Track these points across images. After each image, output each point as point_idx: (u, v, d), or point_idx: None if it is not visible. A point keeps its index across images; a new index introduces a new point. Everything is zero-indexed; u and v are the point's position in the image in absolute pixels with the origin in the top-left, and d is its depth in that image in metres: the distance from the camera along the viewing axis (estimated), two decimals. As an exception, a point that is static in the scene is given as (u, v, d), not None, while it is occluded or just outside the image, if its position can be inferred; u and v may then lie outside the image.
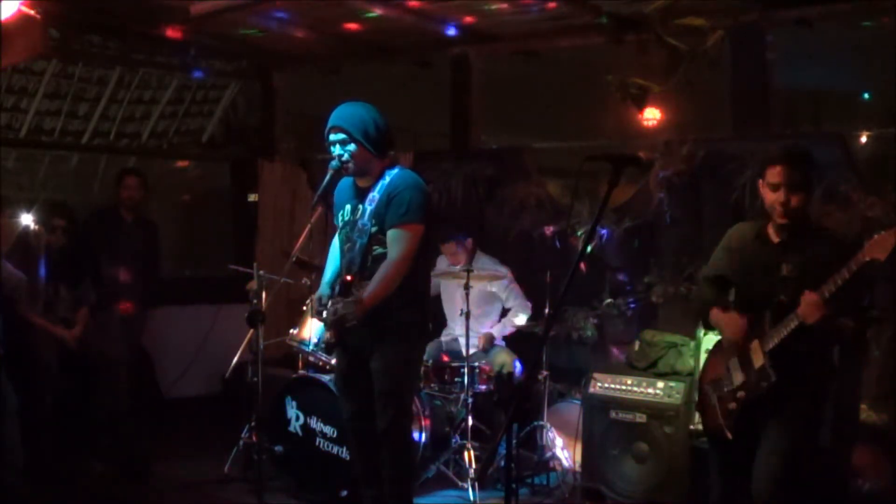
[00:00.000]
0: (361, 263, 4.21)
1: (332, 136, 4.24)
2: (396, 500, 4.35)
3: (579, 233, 6.06)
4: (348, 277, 4.20)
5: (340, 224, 4.41)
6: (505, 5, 6.00)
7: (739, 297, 3.90)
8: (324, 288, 4.45)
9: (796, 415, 3.69)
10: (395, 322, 4.21)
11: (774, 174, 3.71)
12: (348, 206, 4.37)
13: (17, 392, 5.11)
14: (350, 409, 4.45)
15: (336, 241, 4.55)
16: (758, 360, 3.72)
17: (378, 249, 4.21)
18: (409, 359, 4.40)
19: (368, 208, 4.23)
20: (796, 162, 3.72)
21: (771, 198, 3.73)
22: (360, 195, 4.32)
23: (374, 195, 4.23)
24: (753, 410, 3.75)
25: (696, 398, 4.12)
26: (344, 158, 4.21)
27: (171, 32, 6.94)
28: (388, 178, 4.26)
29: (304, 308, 5.73)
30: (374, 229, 4.21)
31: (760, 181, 3.81)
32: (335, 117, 4.25)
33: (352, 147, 4.20)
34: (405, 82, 7.79)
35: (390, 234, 4.17)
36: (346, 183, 4.45)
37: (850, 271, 3.45)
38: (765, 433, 3.71)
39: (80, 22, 6.83)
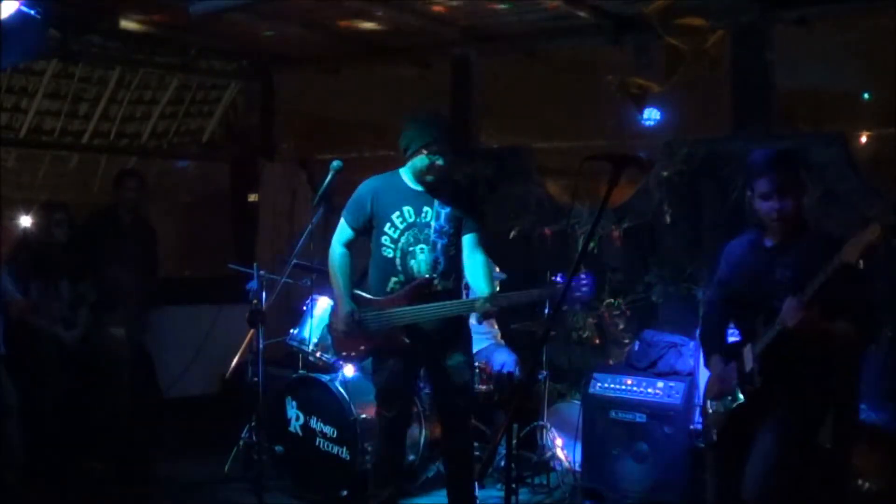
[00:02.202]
0: (445, 263, 4.41)
1: (443, 149, 4.40)
2: (471, 477, 4.62)
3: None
4: (427, 277, 4.37)
5: (401, 225, 4.43)
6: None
7: (740, 304, 3.90)
8: (348, 302, 4.49)
9: (788, 417, 3.68)
10: (465, 321, 4.57)
11: (763, 184, 3.69)
12: (408, 208, 4.44)
13: (19, 392, 5.11)
14: (397, 410, 4.55)
15: (340, 251, 4.57)
16: (748, 364, 3.72)
17: (452, 250, 4.45)
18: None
19: (443, 211, 4.41)
20: (783, 167, 3.69)
21: (764, 208, 3.73)
22: (421, 198, 4.45)
23: (445, 199, 4.43)
24: (746, 412, 3.75)
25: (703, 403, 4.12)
26: (440, 166, 4.39)
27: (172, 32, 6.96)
28: (451, 185, 4.53)
29: (304, 308, 5.74)
30: (452, 231, 4.42)
31: (749, 194, 3.79)
32: (446, 137, 4.42)
33: (450, 159, 4.46)
34: (405, 82, 7.78)
35: (476, 237, 4.47)
36: (392, 184, 4.52)
37: (826, 274, 3.41)
38: (757, 435, 3.71)
39: (80, 22, 6.83)
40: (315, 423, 5.41)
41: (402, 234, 4.43)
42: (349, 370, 5.67)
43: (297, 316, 5.79)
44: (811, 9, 5.64)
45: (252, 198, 8.30)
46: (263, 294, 5.15)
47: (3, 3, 4.39)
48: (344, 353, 4.71)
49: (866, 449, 4.76)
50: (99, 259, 6.21)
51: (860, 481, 4.71)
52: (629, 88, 5.59)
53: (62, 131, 7.51)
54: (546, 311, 5.64)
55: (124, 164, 7.84)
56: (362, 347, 4.55)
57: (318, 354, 5.63)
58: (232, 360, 5.91)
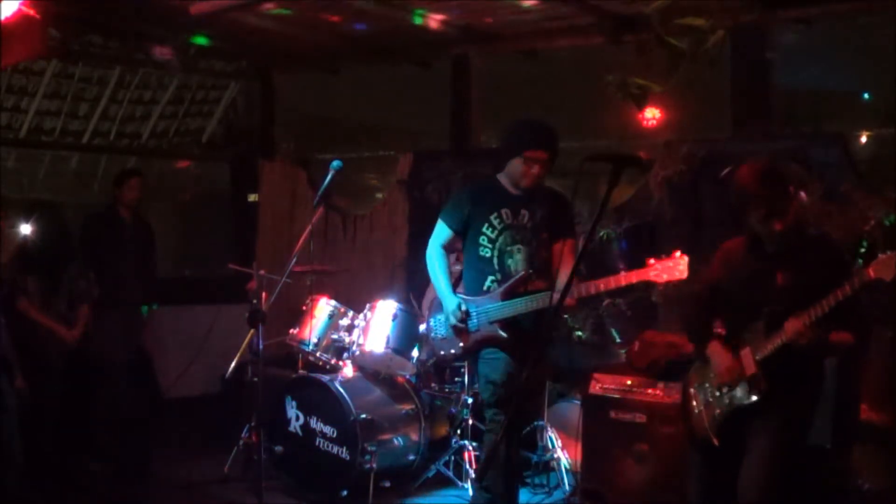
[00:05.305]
0: (539, 263, 4.47)
1: (537, 156, 4.46)
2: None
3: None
4: (530, 271, 4.45)
5: (498, 226, 4.52)
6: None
7: (733, 305, 3.89)
8: (453, 298, 4.54)
9: (783, 420, 3.69)
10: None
11: (757, 208, 3.71)
12: (506, 210, 4.53)
13: (16, 392, 5.10)
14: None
15: (438, 251, 4.65)
16: (748, 369, 3.71)
17: (544, 253, 4.52)
18: None
19: (539, 213, 4.48)
20: (776, 187, 3.72)
21: (757, 227, 3.75)
22: (518, 202, 4.53)
23: (541, 202, 4.51)
24: (739, 416, 3.75)
25: (681, 403, 4.12)
26: (534, 172, 4.45)
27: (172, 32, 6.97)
28: (548, 191, 4.59)
29: (304, 308, 5.74)
30: (545, 234, 4.52)
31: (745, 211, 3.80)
32: (546, 140, 4.49)
33: (547, 166, 4.51)
34: (405, 82, 7.79)
35: (568, 243, 4.52)
36: (490, 188, 4.62)
37: (853, 288, 3.43)
38: (751, 438, 3.71)
39: (80, 22, 6.83)
40: (315, 423, 5.41)
41: (499, 234, 4.52)
42: (349, 370, 5.68)
43: (297, 316, 5.79)
44: (811, 8, 5.64)
45: (252, 198, 8.30)
46: (263, 294, 5.15)
47: (3, 3, 4.39)
48: (442, 353, 4.70)
49: (866, 449, 4.76)
50: (99, 258, 6.21)
51: (860, 481, 4.71)
52: (629, 88, 5.60)
53: (62, 131, 7.51)
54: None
55: (124, 164, 7.84)
56: (461, 344, 4.58)
57: (317, 354, 5.64)
58: (232, 360, 5.90)
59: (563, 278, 4.38)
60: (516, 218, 4.52)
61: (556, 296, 4.16)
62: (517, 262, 4.49)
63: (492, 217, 4.53)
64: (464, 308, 4.49)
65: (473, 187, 4.77)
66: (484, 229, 4.54)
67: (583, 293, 4.27)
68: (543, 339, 4.16)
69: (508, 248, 4.51)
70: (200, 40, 7.15)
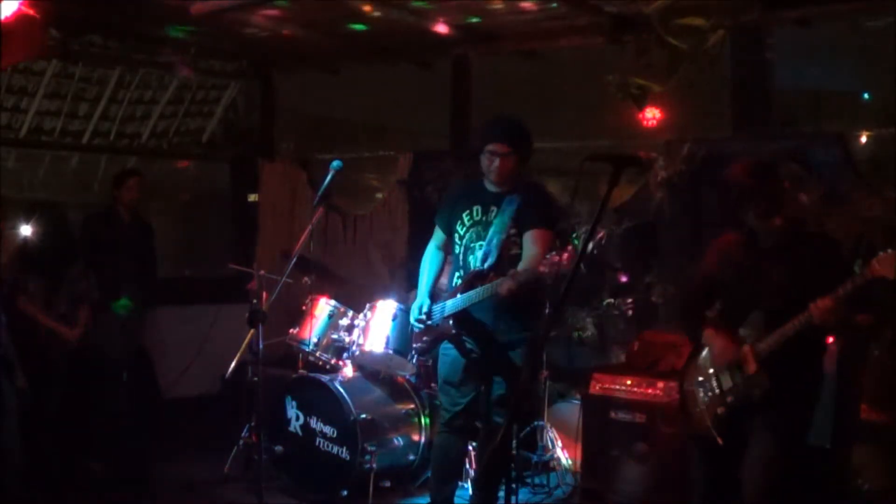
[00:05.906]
0: (498, 257, 4.45)
1: (495, 148, 4.47)
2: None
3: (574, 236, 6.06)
4: (483, 267, 4.44)
5: (467, 223, 4.60)
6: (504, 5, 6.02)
7: (727, 301, 3.89)
8: (423, 297, 4.67)
9: (785, 420, 3.70)
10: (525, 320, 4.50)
11: (757, 204, 3.73)
12: (477, 207, 4.60)
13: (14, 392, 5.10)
14: (465, 402, 4.59)
15: (432, 251, 4.80)
16: (750, 366, 3.71)
17: (514, 249, 4.47)
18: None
19: (509, 209, 4.46)
20: (771, 184, 3.74)
21: (755, 223, 3.76)
22: (491, 198, 4.56)
23: (514, 198, 4.47)
24: (741, 414, 3.76)
25: (679, 400, 4.12)
26: (495, 166, 4.47)
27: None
28: (525, 187, 4.55)
29: (304, 308, 5.74)
30: (513, 230, 4.45)
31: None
32: (503, 133, 4.50)
33: (511, 160, 4.47)
34: (405, 82, 7.78)
35: (533, 233, 4.42)
36: (471, 186, 4.72)
37: (855, 286, 3.45)
38: (753, 437, 3.71)
39: (80, 22, 6.83)
40: (315, 423, 5.41)
41: (467, 231, 4.62)
42: (349, 370, 5.68)
43: (297, 316, 5.79)
44: (811, 9, 5.64)
45: (252, 198, 8.30)
46: (263, 294, 5.15)
47: (3, 3, 4.39)
48: (415, 345, 4.86)
49: (866, 449, 4.76)
50: (98, 259, 6.21)
51: (860, 481, 4.71)
52: (629, 88, 5.60)
53: (62, 131, 7.50)
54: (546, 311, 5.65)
55: (124, 164, 7.84)
56: (425, 338, 4.70)
57: (317, 354, 5.64)
58: (232, 360, 5.90)
59: (521, 266, 4.38)
60: (485, 214, 4.57)
61: (508, 282, 4.23)
62: (476, 258, 4.54)
63: (464, 214, 4.63)
64: (425, 309, 4.62)
65: (456, 187, 4.89)
66: (457, 227, 4.65)
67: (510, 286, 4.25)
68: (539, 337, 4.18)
69: (471, 245, 4.58)
70: (176, 33, 7.13)
